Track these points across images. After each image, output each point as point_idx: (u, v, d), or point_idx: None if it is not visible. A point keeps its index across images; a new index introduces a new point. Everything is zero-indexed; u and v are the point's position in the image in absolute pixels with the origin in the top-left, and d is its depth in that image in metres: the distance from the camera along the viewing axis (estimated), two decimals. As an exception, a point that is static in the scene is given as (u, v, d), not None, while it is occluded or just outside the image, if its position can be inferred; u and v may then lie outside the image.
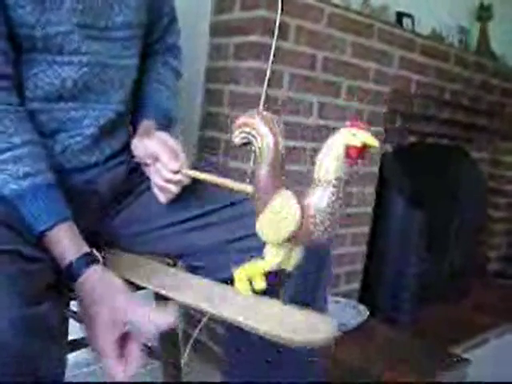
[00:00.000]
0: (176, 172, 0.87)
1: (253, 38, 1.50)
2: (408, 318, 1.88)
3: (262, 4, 1.46)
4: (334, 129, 1.76)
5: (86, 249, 0.76)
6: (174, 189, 0.89)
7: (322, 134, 1.70)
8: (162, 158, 0.87)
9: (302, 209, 0.67)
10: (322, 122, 1.69)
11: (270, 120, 0.71)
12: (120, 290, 0.72)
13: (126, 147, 0.97)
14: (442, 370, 1.56)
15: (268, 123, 0.70)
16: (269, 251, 0.73)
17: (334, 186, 0.66)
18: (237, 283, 0.77)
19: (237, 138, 0.73)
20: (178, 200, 0.93)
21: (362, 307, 1.71)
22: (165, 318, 0.67)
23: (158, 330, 0.67)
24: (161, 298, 1.04)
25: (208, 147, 1.66)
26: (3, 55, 0.78)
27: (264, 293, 0.78)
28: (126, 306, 0.69)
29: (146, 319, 0.67)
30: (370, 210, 1.93)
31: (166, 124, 1.02)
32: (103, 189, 0.94)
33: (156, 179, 0.90)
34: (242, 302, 0.75)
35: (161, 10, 1.05)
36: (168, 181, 0.88)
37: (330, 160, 0.66)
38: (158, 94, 1.05)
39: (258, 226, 0.72)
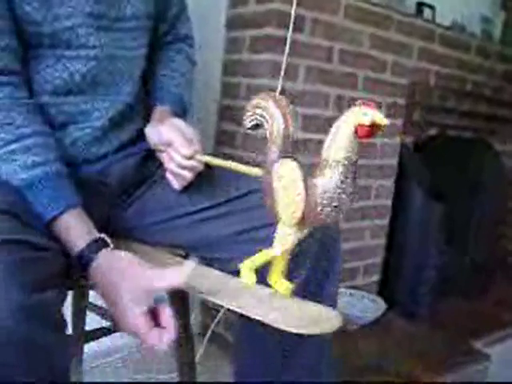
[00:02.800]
0: (189, 158, 0.86)
1: (268, 30, 1.50)
2: (427, 311, 1.86)
3: (277, -3, 1.46)
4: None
5: (96, 234, 0.77)
6: (188, 175, 0.89)
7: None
8: (176, 143, 0.87)
9: (310, 188, 0.65)
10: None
11: (283, 103, 0.70)
12: (134, 263, 0.72)
13: (137, 138, 0.98)
14: (461, 365, 1.55)
15: (280, 106, 0.69)
16: (278, 237, 0.72)
17: (343, 166, 0.64)
18: (242, 273, 0.76)
19: (248, 120, 0.73)
20: (190, 191, 0.94)
21: (379, 300, 1.71)
22: (177, 275, 0.68)
23: (170, 286, 0.69)
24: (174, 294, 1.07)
25: (225, 140, 1.67)
26: (12, 52, 0.79)
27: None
28: (145, 275, 0.70)
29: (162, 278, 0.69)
30: (389, 202, 1.91)
31: (180, 110, 1.02)
32: (114, 179, 0.95)
33: (170, 165, 0.89)
34: (247, 292, 0.75)
35: (168, 2, 1.05)
36: (181, 167, 0.88)
37: (339, 139, 0.64)
38: (172, 80, 1.05)
39: (269, 205, 0.71)
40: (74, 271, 0.76)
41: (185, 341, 1.13)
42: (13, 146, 0.77)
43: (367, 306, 1.69)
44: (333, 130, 0.66)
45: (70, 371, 0.71)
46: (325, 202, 0.65)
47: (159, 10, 1.03)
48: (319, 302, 0.90)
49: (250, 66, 1.58)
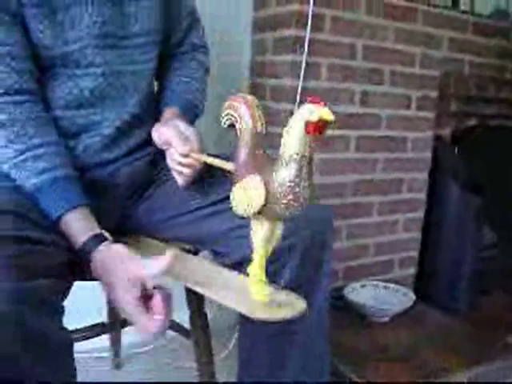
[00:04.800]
0: (186, 156, 0.94)
1: (289, 31, 1.55)
2: (465, 306, 1.83)
3: (295, -2, 1.51)
4: (378, 116, 1.76)
5: (97, 230, 0.85)
6: (187, 171, 0.96)
7: (366, 121, 1.71)
8: (173, 142, 0.94)
9: (269, 184, 0.70)
10: (365, 110, 1.70)
11: (252, 104, 0.75)
12: (127, 256, 0.80)
13: (146, 143, 1.05)
14: (493, 359, 1.53)
15: (250, 107, 0.75)
16: (253, 227, 0.77)
17: (295, 162, 0.68)
18: (251, 284, 0.79)
19: (223, 120, 0.78)
20: (194, 190, 1.01)
21: (411, 293, 1.71)
22: (158, 263, 0.75)
23: (153, 275, 0.76)
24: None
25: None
26: (29, 73, 0.89)
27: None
28: (135, 265, 0.77)
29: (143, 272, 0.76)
30: (422, 196, 1.91)
31: (190, 113, 1.09)
32: (124, 181, 1.03)
33: (170, 163, 0.97)
34: (226, 281, 0.83)
35: (178, 15, 1.12)
36: (180, 164, 0.95)
37: (290, 137, 0.68)
38: (183, 85, 1.13)
39: (232, 201, 0.77)
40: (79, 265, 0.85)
41: (202, 340, 1.20)
42: (25, 155, 0.86)
43: (399, 299, 1.69)
44: (286, 128, 0.69)
45: (71, 355, 0.79)
46: (281, 195, 0.69)
47: (170, 24, 1.11)
48: (311, 294, 0.96)
49: (274, 67, 1.63)
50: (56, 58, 0.92)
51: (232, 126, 0.79)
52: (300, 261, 0.93)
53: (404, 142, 1.81)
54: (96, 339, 1.44)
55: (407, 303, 1.65)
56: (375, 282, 1.77)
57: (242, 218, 0.77)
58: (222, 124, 0.80)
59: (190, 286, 0.84)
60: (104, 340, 1.56)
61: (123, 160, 1.03)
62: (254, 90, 1.74)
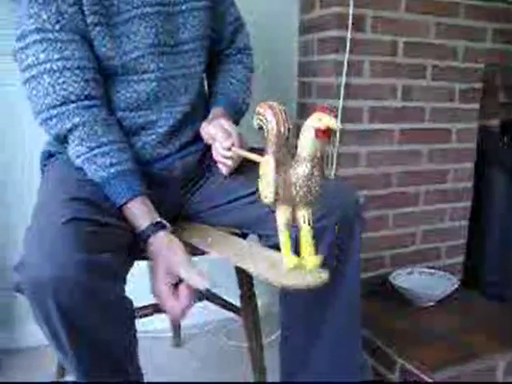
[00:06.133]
0: (228, 149, 1.08)
1: (331, 32, 1.64)
2: (512, 293, 1.87)
3: (336, 1, 1.60)
4: (422, 109, 1.80)
5: (156, 218, 0.99)
6: (229, 163, 1.10)
7: (410, 115, 1.78)
8: (217, 137, 1.09)
9: (287, 178, 0.83)
10: (408, 104, 1.77)
11: (277, 109, 0.86)
12: (177, 250, 0.94)
13: (197, 138, 1.18)
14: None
15: (274, 112, 0.86)
16: (277, 213, 0.88)
17: (308, 161, 0.81)
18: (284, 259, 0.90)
19: (255, 123, 0.91)
20: (241, 178, 1.15)
21: (455, 279, 1.76)
22: (198, 281, 0.89)
23: (189, 283, 0.90)
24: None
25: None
26: (95, 82, 1.04)
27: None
28: (178, 262, 0.91)
29: (188, 276, 0.90)
30: (469, 185, 1.95)
31: (235, 110, 1.24)
32: (178, 173, 1.18)
33: (215, 155, 1.12)
34: (262, 257, 0.95)
35: (223, 22, 1.26)
36: (223, 156, 1.10)
37: (303, 140, 0.81)
38: (228, 85, 1.27)
39: (259, 188, 0.89)
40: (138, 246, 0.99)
41: (251, 318, 1.33)
42: (95, 151, 1.01)
43: (445, 284, 1.75)
44: (300, 133, 0.82)
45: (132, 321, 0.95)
46: (297, 188, 0.82)
47: (217, 30, 1.25)
48: (343, 275, 1.07)
49: (319, 66, 1.73)
50: (117, 67, 1.06)
51: (261, 128, 0.91)
52: (331, 241, 1.04)
53: (448, 134, 1.86)
54: (158, 321, 1.60)
55: (451, 288, 1.71)
56: (421, 269, 1.83)
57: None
58: (254, 126, 0.92)
59: (230, 260, 0.98)
60: (165, 321, 1.73)
61: (177, 155, 1.17)
62: (302, 88, 1.85)
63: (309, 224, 0.87)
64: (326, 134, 0.78)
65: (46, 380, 1.50)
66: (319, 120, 0.78)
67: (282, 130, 0.84)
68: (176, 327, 1.71)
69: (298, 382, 1.17)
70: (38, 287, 0.79)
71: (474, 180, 1.97)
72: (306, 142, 0.80)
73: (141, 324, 1.71)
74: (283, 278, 0.84)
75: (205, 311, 1.78)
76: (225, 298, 1.46)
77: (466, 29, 1.80)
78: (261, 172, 0.88)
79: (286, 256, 0.86)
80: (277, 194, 0.83)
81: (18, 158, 1.62)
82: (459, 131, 1.88)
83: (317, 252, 0.91)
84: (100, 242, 0.86)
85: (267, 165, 0.85)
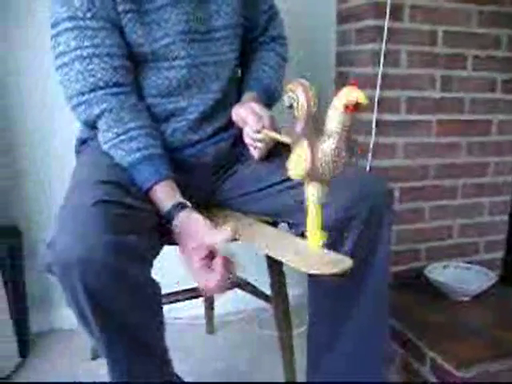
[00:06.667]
0: (258, 132, 1.09)
1: (369, 22, 1.62)
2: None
3: (373, -10, 1.58)
4: (461, 100, 1.76)
5: (179, 199, 1.00)
6: (260, 145, 1.11)
7: (448, 106, 1.74)
8: (248, 120, 1.10)
9: (314, 153, 0.84)
10: (447, 95, 1.73)
11: (307, 87, 0.87)
12: (201, 222, 0.94)
13: (228, 125, 1.19)
14: None
15: (305, 90, 0.86)
16: (307, 190, 0.90)
17: (337, 134, 0.82)
18: (310, 238, 0.93)
19: (284, 100, 0.91)
20: (272, 166, 1.15)
21: (492, 274, 1.72)
22: (220, 235, 0.89)
23: (217, 242, 0.89)
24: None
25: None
26: (124, 69, 1.06)
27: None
28: (201, 235, 0.92)
29: (211, 239, 0.90)
30: (510, 179, 1.90)
31: (267, 95, 1.24)
32: (210, 160, 1.19)
33: (245, 138, 1.13)
34: (290, 245, 0.96)
35: (257, 10, 1.26)
36: (253, 139, 1.11)
37: (333, 114, 0.81)
38: (261, 72, 1.27)
39: (288, 166, 0.90)
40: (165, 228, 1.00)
41: (281, 306, 1.35)
42: (122, 137, 1.03)
43: (481, 279, 1.72)
44: (330, 108, 0.82)
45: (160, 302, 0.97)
46: (323, 162, 0.84)
47: (250, 19, 1.25)
48: (370, 265, 1.06)
49: (356, 56, 1.72)
50: (147, 54, 1.08)
51: (291, 107, 0.91)
52: (360, 230, 1.03)
53: (488, 126, 1.82)
54: (192, 307, 1.64)
55: (488, 283, 1.67)
56: (457, 263, 1.80)
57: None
58: (284, 104, 0.92)
59: (256, 247, 0.99)
60: (200, 308, 1.76)
61: (208, 141, 1.18)
62: (340, 77, 1.84)
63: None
64: (355, 108, 0.79)
65: (79, 362, 1.56)
66: (350, 94, 0.78)
67: (312, 106, 0.85)
68: (210, 314, 1.74)
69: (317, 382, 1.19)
70: (66, 268, 0.81)
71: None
72: (335, 116, 0.81)
73: (176, 310, 1.77)
74: (307, 265, 0.84)
75: (238, 300, 1.81)
76: (256, 286, 1.48)
77: (510, 17, 1.75)
78: (292, 150, 0.88)
79: (312, 240, 0.88)
80: (307, 170, 0.84)
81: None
82: (501, 123, 1.83)
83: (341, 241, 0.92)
84: (128, 224, 0.88)
85: (297, 142, 0.85)
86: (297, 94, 0.87)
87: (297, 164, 0.87)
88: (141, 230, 0.91)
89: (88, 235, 0.82)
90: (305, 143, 0.85)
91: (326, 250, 0.90)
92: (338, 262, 0.85)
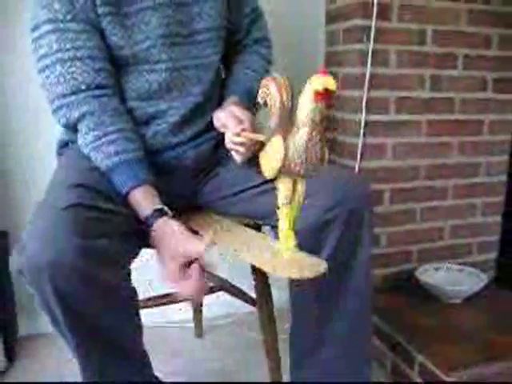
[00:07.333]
0: (238, 135, 1.05)
1: (357, 21, 1.61)
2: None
3: (360, -11, 1.57)
4: (451, 100, 1.75)
5: (158, 205, 0.98)
6: (242, 149, 1.07)
7: (438, 105, 1.72)
8: (228, 124, 1.08)
9: (286, 147, 0.80)
10: (437, 95, 1.71)
11: (281, 83, 0.85)
12: (178, 231, 0.93)
13: (209, 128, 1.18)
14: None
15: (278, 86, 0.85)
16: (278, 188, 0.87)
17: (307, 127, 0.78)
18: (280, 240, 0.90)
19: (259, 98, 0.89)
20: (252, 169, 1.11)
21: (483, 276, 1.70)
22: (196, 246, 0.88)
23: (193, 255, 0.88)
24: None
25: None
26: (105, 71, 1.05)
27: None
28: (182, 240, 0.90)
29: (185, 249, 0.88)
30: (502, 179, 1.87)
31: (249, 100, 1.21)
32: (190, 163, 1.17)
33: (227, 143, 1.10)
34: (265, 247, 0.94)
35: (240, 13, 1.24)
36: (233, 143, 1.07)
37: (302, 104, 0.78)
38: (242, 75, 1.25)
39: (261, 165, 0.88)
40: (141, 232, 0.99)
41: (265, 307, 1.33)
42: (102, 140, 1.02)
43: (472, 281, 1.69)
44: (300, 98, 0.79)
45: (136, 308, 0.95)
46: (295, 156, 0.80)
47: (233, 21, 1.24)
48: (351, 267, 1.05)
49: (344, 56, 1.70)
50: (128, 56, 1.07)
51: (265, 103, 0.89)
52: (340, 232, 1.01)
53: (480, 125, 1.80)
54: (181, 311, 1.61)
55: (479, 285, 1.65)
56: (449, 265, 1.78)
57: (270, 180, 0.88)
58: (258, 100, 0.90)
59: (228, 249, 0.97)
60: (188, 312, 1.75)
61: (189, 144, 1.16)
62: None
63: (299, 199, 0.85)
64: (325, 96, 0.76)
65: (65, 362, 1.54)
66: (317, 81, 0.75)
67: (286, 102, 0.83)
68: (198, 317, 1.72)
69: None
70: (36, 272, 0.81)
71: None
72: (304, 106, 0.78)
73: (164, 314, 1.76)
74: (280, 269, 0.82)
75: (228, 303, 1.80)
76: (242, 289, 1.46)
77: (501, 16, 1.73)
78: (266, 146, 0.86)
79: (284, 241, 0.86)
80: (279, 166, 0.81)
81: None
82: (492, 122, 1.81)
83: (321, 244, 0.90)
84: (100, 228, 0.87)
85: (270, 138, 0.83)
86: (270, 89, 0.85)
87: (268, 161, 0.84)
88: (114, 233, 0.90)
89: (58, 239, 0.81)
90: (276, 138, 0.82)
91: (301, 253, 0.88)
92: (313, 266, 0.83)
